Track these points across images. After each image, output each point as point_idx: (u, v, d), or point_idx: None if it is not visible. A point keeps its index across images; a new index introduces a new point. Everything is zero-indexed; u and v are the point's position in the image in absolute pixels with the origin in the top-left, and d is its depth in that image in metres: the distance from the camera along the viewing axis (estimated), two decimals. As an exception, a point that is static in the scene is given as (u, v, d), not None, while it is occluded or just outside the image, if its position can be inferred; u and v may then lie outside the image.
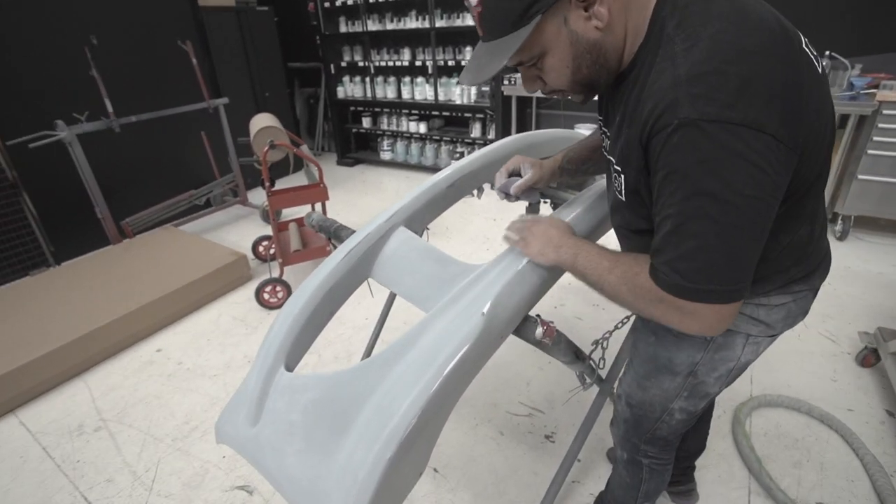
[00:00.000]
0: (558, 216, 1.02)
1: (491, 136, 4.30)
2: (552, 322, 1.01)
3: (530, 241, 0.92)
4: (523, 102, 4.23)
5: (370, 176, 4.84)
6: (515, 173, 1.12)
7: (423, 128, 4.69)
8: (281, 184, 3.87)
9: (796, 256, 0.75)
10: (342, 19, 4.63)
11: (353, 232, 1.39)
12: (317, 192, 2.45)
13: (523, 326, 0.95)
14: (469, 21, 3.99)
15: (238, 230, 3.62)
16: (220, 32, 3.98)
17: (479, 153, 1.25)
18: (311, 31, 4.78)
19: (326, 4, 4.52)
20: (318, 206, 2.61)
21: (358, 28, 4.53)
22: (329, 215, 3.24)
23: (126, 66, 3.35)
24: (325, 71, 4.94)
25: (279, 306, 2.57)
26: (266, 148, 2.27)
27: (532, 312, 0.96)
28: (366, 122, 5.01)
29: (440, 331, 0.86)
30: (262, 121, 2.53)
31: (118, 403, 1.98)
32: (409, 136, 4.87)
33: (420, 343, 0.85)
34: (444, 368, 0.78)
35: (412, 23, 4.27)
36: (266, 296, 2.55)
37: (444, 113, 4.71)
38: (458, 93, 4.30)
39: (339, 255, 0.96)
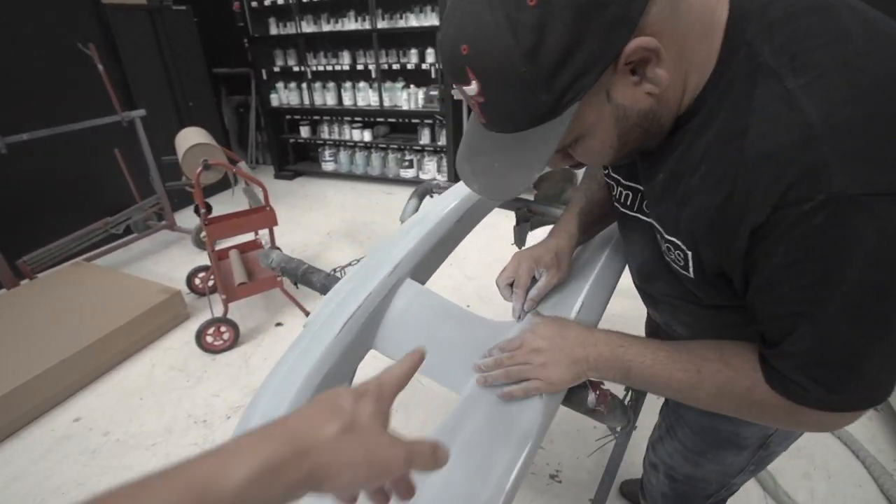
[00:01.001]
0: (558, 310, 0.77)
1: (441, 141, 4.12)
2: (602, 382, 0.84)
3: (541, 371, 0.65)
4: (473, 107, 4.09)
5: (312, 189, 4.50)
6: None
7: (367, 135, 4.43)
8: (214, 203, 3.44)
9: None
10: (272, 20, 4.25)
11: (327, 275, 1.15)
12: (263, 216, 2.14)
13: (571, 394, 0.77)
14: (413, 22, 3.79)
15: (167, 260, 3.17)
16: (131, 34, 3.48)
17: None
18: (237, 34, 4.35)
19: (254, 4, 4.13)
20: (265, 231, 2.30)
21: (291, 30, 4.18)
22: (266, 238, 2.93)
23: (13, 73, 2.82)
24: (255, 77, 4.53)
25: (225, 349, 2.23)
26: (199, 169, 1.93)
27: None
28: (304, 132, 4.65)
29: (484, 423, 0.65)
30: (190, 136, 2.18)
31: (24, 501, 1.58)
32: (352, 145, 4.58)
33: (459, 443, 0.64)
34: (503, 484, 0.58)
35: (351, 24, 3.99)
36: (209, 338, 2.19)
37: (391, 119, 4.47)
38: (405, 98, 4.08)
39: (332, 327, 0.73)
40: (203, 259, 3.05)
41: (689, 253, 0.54)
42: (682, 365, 0.58)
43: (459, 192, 0.99)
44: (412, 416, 1.82)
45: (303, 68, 4.33)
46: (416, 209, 1.64)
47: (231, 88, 4.99)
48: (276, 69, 4.45)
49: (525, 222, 1.67)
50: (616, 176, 0.67)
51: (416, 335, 0.77)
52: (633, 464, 1.61)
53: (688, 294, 0.61)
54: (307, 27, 4.13)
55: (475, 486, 0.59)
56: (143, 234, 3.21)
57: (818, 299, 0.44)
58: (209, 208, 2.13)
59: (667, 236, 0.57)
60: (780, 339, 0.49)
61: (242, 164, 2.37)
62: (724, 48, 0.45)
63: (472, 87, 0.46)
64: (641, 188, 0.62)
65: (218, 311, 2.30)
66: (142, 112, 2.96)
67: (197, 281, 2.69)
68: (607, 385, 0.81)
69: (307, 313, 2.48)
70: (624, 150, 0.53)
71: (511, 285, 0.79)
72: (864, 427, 1.74)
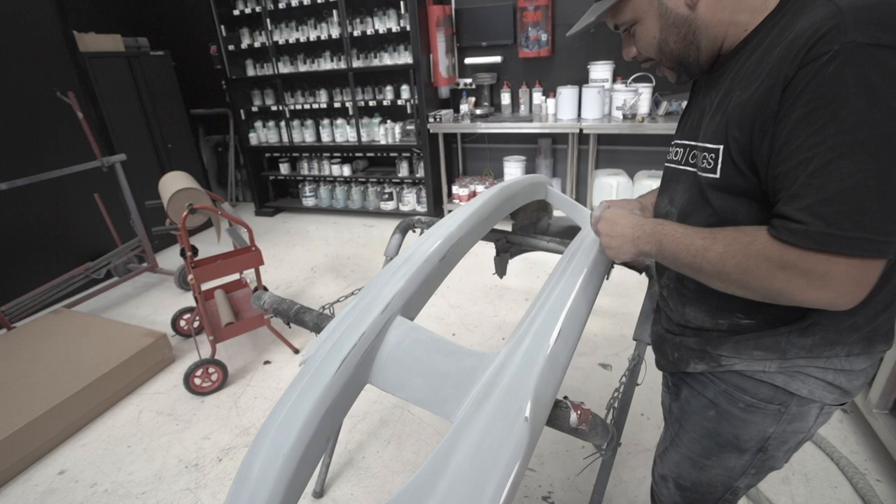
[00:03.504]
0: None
1: (420, 173, 4.24)
2: (582, 402, 0.91)
3: (606, 244, 0.87)
4: (449, 138, 4.24)
5: (294, 225, 4.54)
6: None
7: (346, 170, 4.52)
8: (197, 242, 3.44)
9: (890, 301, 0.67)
10: (249, 62, 4.37)
11: (318, 314, 1.20)
12: (249, 257, 2.18)
13: (554, 415, 0.83)
14: (387, 60, 3.95)
15: (150, 303, 3.15)
16: (109, 80, 3.54)
17: (462, 216, 1.13)
18: (215, 76, 4.45)
19: (231, 48, 4.24)
20: (250, 272, 2.34)
21: (268, 71, 4.30)
22: (251, 277, 2.95)
23: (-10, 124, 2.83)
24: (233, 117, 4.61)
25: (214, 390, 2.23)
26: (185, 213, 1.97)
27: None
28: (284, 169, 4.72)
29: (476, 446, 0.71)
30: (175, 181, 2.22)
31: (12, 558, 1.54)
32: (332, 180, 4.66)
33: (454, 465, 0.70)
34: (496, 500, 0.64)
35: (327, 64, 4.13)
36: (197, 380, 2.19)
37: (369, 154, 4.58)
38: (382, 133, 4.21)
39: (331, 365, 0.78)
40: (187, 300, 3.04)
41: (720, 147, 0.65)
42: (702, 234, 0.68)
43: (443, 231, 1.06)
44: (404, 446, 1.85)
45: (281, 107, 4.43)
46: (400, 244, 1.71)
47: (209, 128, 5.06)
48: (255, 109, 4.54)
49: (505, 252, 1.75)
50: (678, 139, 0.82)
51: (409, 369, 0.83)
52: (622, 480, 1.66)
53: (710, 216, 0.71)
54: (284, 68, 4.25)
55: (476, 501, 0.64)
56: (124, 278, 3.20)
57: (823, 137, 0.52)
58: (195, 251, 2.16)
59: (707, 145, 0.69)
60: (790, 187, 0.55)
61: (226, 206, 2.41)
62: None
63: None
64: (692, 143, 0.75)
65: (205, 353, 2.30)
66: (122, 157, 3.00)
67: (182, 323, 2.68)
68: (588, 405, 0.88)
69: (296, 350, 2.50)
70: (665, 47, 0.72)
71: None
72: (836, 429, 1.83)
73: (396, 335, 0.86)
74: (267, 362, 2.45)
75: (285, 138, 4.54)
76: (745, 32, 0.66)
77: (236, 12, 4.14)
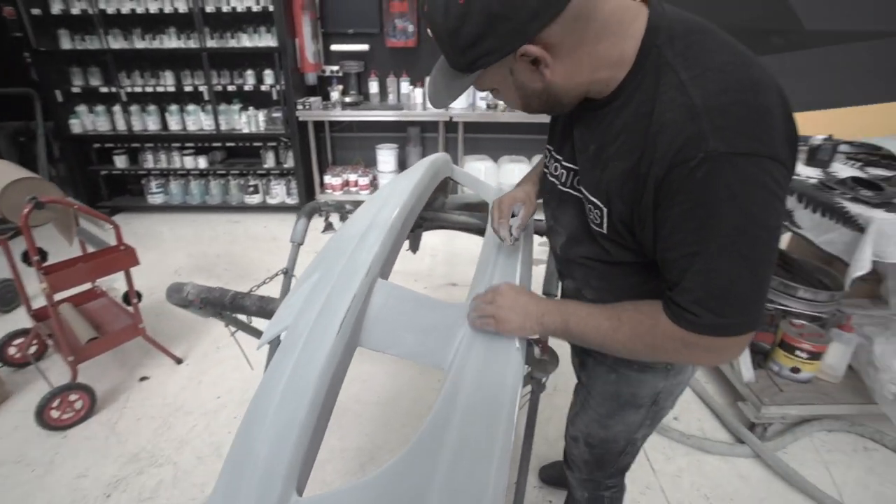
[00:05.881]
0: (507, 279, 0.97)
1: (289, 163, 4.01)
2: (544, 339, 1.03)
3: (504, 318, 0.81)
4: (318, 127, 4.10)
5: (140, 226, 3.91)
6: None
7: (202, 162, 4.05)
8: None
9: None
10: (64, 32, 3.61)
11: (260, 297, 1.13)
12: (118, 257, 1.85)
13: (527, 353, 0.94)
14: (247, 42, 3.65)
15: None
16: None
17: (407, 186, 1.16)
18: (14, 46, 3.57)
19: (36, 11, 3.45)
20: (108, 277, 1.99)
21: (92, 45, 3.61)
22: (107, 285, 2.51)
23: None
24: (42, 98, 3.75)
25: (79, 420, 1.86)
26: (28, 208, 1.59)
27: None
28: (120, 162, 4.02)
29: (478, 380, 0.78)
30: (2, 172, 1.75)
31: None
32: (185, 173, 4.13)
33: (462, 401, 0.75)
34: (512, 418, 0.72)
35: (172, 42, 3.64)
36: (55, 413, 1.80)
37: (229, 144, 4.16)
38: (244, 120, 3.87)
39: (329, 328, 0.76)
40: (10, 323, 2.44)
41: (605, 210, 0.71)
42: (607, 314, 0.74)
43: (398, 199, 1.08)
44: (400, 404, 1.79)
45: (114, 89, 3.76)
46: (306, 228, 1.66)
47: (5, 112, 4.04)
48: (77, 90, 3.77)
49: (419, 228, 1.82)
50: (559, 157, 0.84)
51: (397, 327, 0.86)
52: (547, 440, 1.84)
53: (601, 253, 0.79)
54: (115, 43, 3.61)
55: (493, 426, 0.71)
56: None
57: (703, 238, 0.59)
58: (44, 255, 1.76)
59: (590, 197, 0.73)
60: (679, 279, 0.64)
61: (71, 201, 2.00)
62: (641, 50, 0.63)
63: (430, 32, 0.66)
64: (576, 168, 0.78)
65: (58, 379, 1.91)
66: None
67: (12, 350, 2.15)
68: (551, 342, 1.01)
69: (178, 360, 2.21)
70: (531, 108, 0.73)
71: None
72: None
73: (381, 296, 0.87)
74: (144, 378, 2.12)
75: (121, 126, 3.87)
76: (609, 88, 0.67)
77: (42, -34, 3.39)
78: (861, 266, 1.32)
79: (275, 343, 0.91)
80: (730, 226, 0.58)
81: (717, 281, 0.61)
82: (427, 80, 3.73)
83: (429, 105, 3.81)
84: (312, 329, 0.79)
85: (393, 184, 1.27)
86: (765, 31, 3.79)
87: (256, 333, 1.41)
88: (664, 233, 0.64)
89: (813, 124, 3.98)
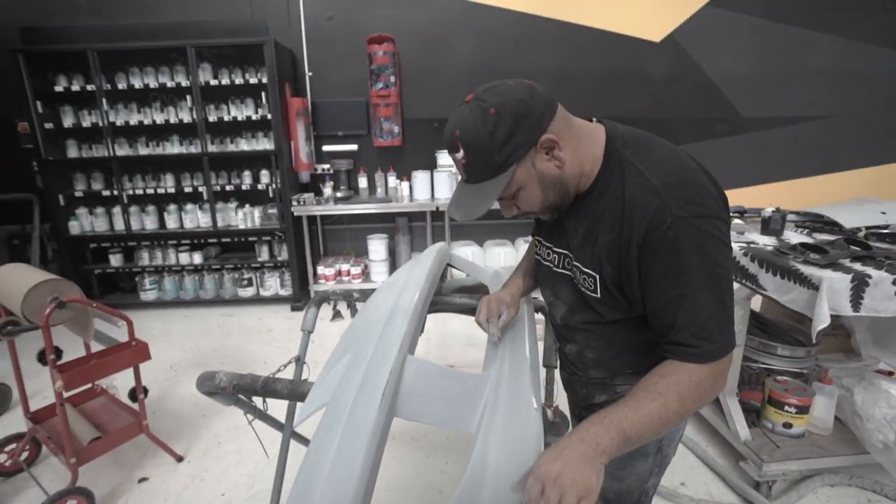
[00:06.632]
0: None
1: (283, 256, 4.16)
2: (554, 402, 1.13)
3: (574, 488, 0.65)
4: (311, 220, 4.32)
5: (131, 322, 3.90)
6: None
7: (197, 258, 4.17)
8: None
9: None
10: (72, 142, 3.86)
11: (289, 380, 1.21)
12: (130, 353, 1.90)
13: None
14: (245, 146, 3.96)
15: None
16: None
17: (421, 273, 1.30)
18: (23, 156, 3.79)
19: (49, 126, 3.71)
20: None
21: (99, 153, 3.85)
22: (109, 384, 2.50)
23: None
24: (44, 203, 3.91)
25: (75, 529, 1.77)
26: (50, 308, 1.67)
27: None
28: (115, 260, 4.11)
29: (502, 444, 0.86)
30: (19, 276, 1.84)
31: None
32: (179, 270, 4.22)
33: (491, 461, 0.83)
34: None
35: (175, 148, 3.92)
36: (51, 521, 1.73)
37: (224, 239, 4.31)
38: (241, 217, 4.07)
39: (370, 401, 0.85)
40: (3, 428, 2.37)
41: (597, 276, 0.86)
42: (647, 396, 0.75)
43: (417, 284, 1.22)
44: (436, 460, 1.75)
45: (115, 192, 3.95)
46: (316, 317, 1.76)
47: (4, 216, 4.16)
48: (79, 193, 3.95)
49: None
50: (549, 244, 1.00)
51: (428, 398, 0.95)
52: None
53: (597, 316, 0.93)
54: (121, 150, 3.87)
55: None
56: None
57: (684, 281, 0.75)
58: (59, 353, 1.80)
59: (585, 269, 0.89)
60: (673, 321, 0.77)
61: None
62: (606, 153, 0.84)
63: (460, 154, 0.81)
64: (566, 252, 0.94)
65: (50, 484, 1.85)
66: None
67: (2, 458, 2.08)
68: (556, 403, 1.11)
69: (179, 458, 2.16)
70: (547, 202, 0.86)
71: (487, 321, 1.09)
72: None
73: (411, 371, 0.97)
74: (143, 479, 2.06)
75: (119, 226, 4.01)
76: (589, 181, 0.86)
77: (59, 88, 3.70)
78: (822, 320, 1.48)
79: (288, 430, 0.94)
80: (700, 269, 0.75)
81: (702, 313, 0.76)
82: (414, 174, 4.09)
83: (416, 196, 4.13)
84: (355, 402, 0.88)
85: (408, 271, 1.42)
86: (709, 119, 4.39)
87: (274, 423, 1.46)
88: (652, 284, 0.79)
89: (760, 197, 4.48)
